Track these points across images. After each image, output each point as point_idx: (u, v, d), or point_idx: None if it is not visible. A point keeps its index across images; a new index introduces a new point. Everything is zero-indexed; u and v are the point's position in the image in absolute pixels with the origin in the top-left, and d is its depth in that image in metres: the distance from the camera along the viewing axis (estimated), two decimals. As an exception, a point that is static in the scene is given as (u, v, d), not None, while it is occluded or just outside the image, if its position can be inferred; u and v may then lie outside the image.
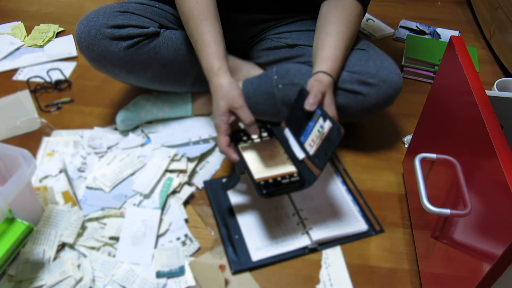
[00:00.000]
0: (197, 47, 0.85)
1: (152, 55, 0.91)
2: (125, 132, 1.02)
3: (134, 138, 1.00)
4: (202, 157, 0.98)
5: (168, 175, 0.92)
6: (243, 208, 0.88)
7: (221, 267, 0.78)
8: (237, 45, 1.08)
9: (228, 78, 0.82)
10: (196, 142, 0.99)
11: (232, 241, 0.82)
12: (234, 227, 0.85)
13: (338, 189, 0.92)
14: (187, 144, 0.99)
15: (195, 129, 1.02)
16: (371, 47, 0.94)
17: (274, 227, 0.85)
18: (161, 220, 0.85)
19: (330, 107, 0.82)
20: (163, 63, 0.94)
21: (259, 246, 0.81)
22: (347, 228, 0.84)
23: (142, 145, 0.99)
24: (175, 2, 0.87)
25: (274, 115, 1.00)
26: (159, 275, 0.77)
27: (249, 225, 0.85)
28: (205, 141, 1.00)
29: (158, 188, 0.90)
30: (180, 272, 0.77)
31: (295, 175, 0.77)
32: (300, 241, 0.82)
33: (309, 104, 0.78)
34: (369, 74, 0.89)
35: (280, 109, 0.98)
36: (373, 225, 0.86)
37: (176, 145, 0.98)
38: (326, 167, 0.96)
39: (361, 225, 0.85)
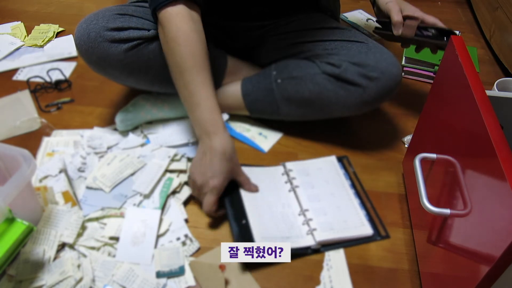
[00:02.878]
0: (193, 99, 0.81)
1: (152, 57, 0.91)
2: (125, 132, 1.02)
3: (134, 138, 1.00)
4: (202, 157, 0.98)
5: (168, 175, 0.92)
6: (251, 198, 0.87)
7: (221, 267, 0.78)
8: (237, 50, 1.08)
9: (231, 140, 0.82)
10: (195, 143, 0.99)
11: (238, 222, 0.82)
12: (241, 212, 0.84)
13: (346, 192, 0.91)
14: (186, 144, 0.99)
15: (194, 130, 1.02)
16: (369, 40, 0.95)
17: (280, 222, 0.84)
18: (161, 220, 0.85)
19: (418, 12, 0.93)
20: (163, 65, 0.93)
21: (264, 235, 0.81)
22: (352, 232, 0.84)
23: (142, 145, 0.99)
24: (164, 53, 0.84)
25: (274, 113, 1.00)
26: (159, 275, 0.77)
27: (256, 214, 0.84)
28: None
29: (158, 188, 0.90)
30: (180, 272, 0.77)
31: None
32: (304, 241, 0.82)
33: (397, 28, 0.86)
34: (369, 67, 0.89)
35: (279, 105, 0.97)
36: (379, 230, 0.86)
37: (176, 145, 0.98)
38: (336, 169, 0.96)
39: (366, 230, 0.85)
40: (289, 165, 0.96)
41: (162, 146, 0.98)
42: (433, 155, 0.72)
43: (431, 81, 1.25)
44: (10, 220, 0.71)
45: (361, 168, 0.99)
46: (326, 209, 0.87)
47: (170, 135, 1.01)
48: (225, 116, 1.07)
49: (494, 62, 1.33)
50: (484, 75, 1.28)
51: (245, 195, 0.87)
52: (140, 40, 0.89)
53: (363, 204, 0.90)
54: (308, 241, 0.82)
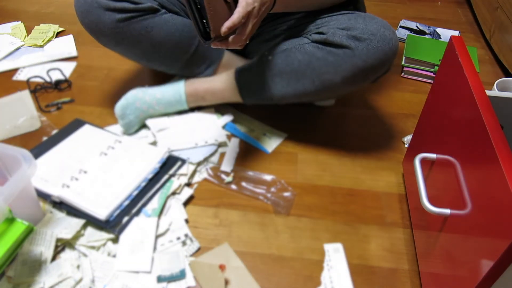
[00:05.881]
0: None
1: (143, 33, 0.92)
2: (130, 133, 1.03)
3: (147, 135, 1.01)
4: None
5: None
6: (64, 144, 0.96)
7: (221, 267, 0.78)
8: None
9: None
10: (203, 146, 0.99)
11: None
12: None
13: (134, 178, 0.90)
14: (193, 147, 0.98)
15: (201, 131, 1.02)
16: (361, 12, 0.92)
17: (56, 164, 0.91)
18: (158, 225, 0.84)
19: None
20: (153, 43, 0.94)
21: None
22: (88, 205, 0.84)
23: (154, 143, 0.99)
24: None
25: (266, 93, 0.96)
26: (160, 279, 0.76)
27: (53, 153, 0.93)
28: (210, 144, 1.00)
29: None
30: (181, 275, 0.77)
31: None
32: (52, 189, 0.86)
33: (225, 27, 0.73)
34: (358, 30, 0.85)
35: (271, 83, 0.94)
36: (116, 224, 0.83)
37: (182, 149, 0.98)
38: (152, 160, 0.94)
39: (100, 212, 0.83)
40: (124, 138, 0.98)
41: (170, 149, 0.97)
42: (433, 155, 0.72)
43: (431, 81, 1.25)
44: (10, 220, 0.71)
45: (361, 168, 0.99)
46: (99, 180, 0.88)
47: (177, 136, 1.01)
48: (229, 117, 1.07)
49: (494, 62, 1.33)
50: (484, 75, 1.28)
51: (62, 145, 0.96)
52: (134, 13, 0.90)
53: (137, 196, 0.88)
54: (52, 190, 0.85)
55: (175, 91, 1.02)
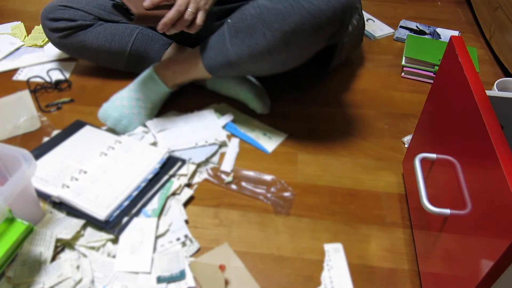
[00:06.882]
0: None
1: (79, 46, 1.10)
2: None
3: (147, 135, 1.01)
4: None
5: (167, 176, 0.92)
6: (66, 145, 0.98)
7: (221, 267, 0.78)
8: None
9: None
10: (203, 145, 0.99)
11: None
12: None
13: (135, 179, 0.90)
14: (193, 147, 0.98)
15: (201, 131, 1.02)
16: None
17: (53, 164, 0.92)
18: (158, 226, 0.84)
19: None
20: (92, 52, 1.12)
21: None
22: (88, 205, 0.84)
23: (154, 143, 0.99)
24: None
25: (225, 58, 0.94)
26: (159, 280, 0.76)
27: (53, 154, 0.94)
28: (211, 144, 1.00)
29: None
30: (181, 276, 0.77)
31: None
32: (50, 189, 0.86)
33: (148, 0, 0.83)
34: None
35: (228, 45, 0.92)
36: (115, 224, 0.83)
37: (182, 149, 0.98)
38: (152, 160, 0.94)
39: (100, 212, 0.83)
40: (124, 139, 0.99)
41: (170, 149, 0.97)
42: (433, 155, 0.72)
43: (431, 81, 1.25)
44: (10, 220, 0.71)
45: (361, 168, 0.99)
46: (99, 180, 0.89)
47: (178, 136, 1.01)
48: (229, 117, 1.07)
49: (494, 62, 1.33)
50: (484, 75, 1.28)
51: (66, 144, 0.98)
52: (68, 31, 1.08)
53: (136, 197, 0.88)
54: (52, 191, 0.86)
55: (145, 73, 1.05)
